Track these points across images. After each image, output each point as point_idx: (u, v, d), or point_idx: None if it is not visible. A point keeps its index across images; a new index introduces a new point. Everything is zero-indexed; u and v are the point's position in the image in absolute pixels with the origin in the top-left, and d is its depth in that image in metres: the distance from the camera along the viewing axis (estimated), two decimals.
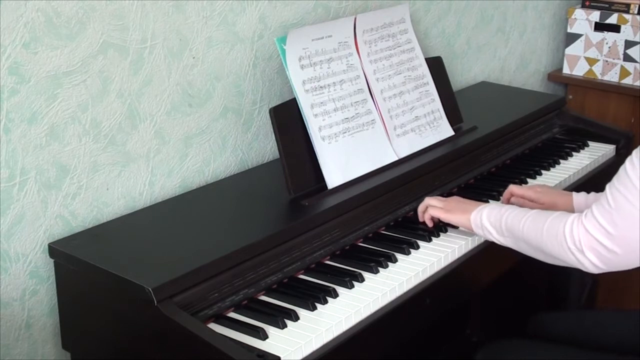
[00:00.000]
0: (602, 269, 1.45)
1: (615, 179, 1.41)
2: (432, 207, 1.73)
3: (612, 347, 1.65)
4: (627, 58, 2.81)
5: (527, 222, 1.54)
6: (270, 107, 1.73)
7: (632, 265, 1.43)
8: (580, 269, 1.48)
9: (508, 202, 1.86)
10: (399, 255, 1.65)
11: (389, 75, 1.97)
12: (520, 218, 1.56)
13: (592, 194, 1.81)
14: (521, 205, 1.76)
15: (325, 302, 1.47)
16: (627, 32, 2.80)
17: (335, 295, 1.49)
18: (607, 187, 1.42)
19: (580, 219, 1.45)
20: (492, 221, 1.62)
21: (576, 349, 1.62)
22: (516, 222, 1.57)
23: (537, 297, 2.46)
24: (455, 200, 1.73)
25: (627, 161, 1.39)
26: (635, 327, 1.68)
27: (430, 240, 1.71)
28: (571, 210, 1.78)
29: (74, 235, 1.57)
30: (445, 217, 1.70)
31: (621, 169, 1.40)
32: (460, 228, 1.73)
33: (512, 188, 1.86)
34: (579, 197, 1.80)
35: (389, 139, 1.91)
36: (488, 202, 1.90)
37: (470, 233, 1.72)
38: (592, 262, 1.43)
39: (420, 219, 1.76)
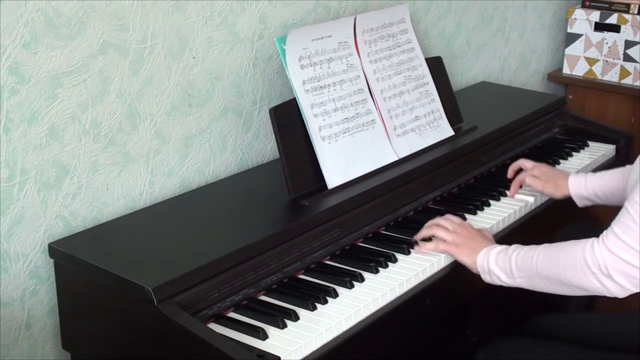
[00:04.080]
0: (630, 291, 1.38)
1: (635, 194, 1.35)
2: (440, 242, 1.64)
3: (611, 348, 1.64)
4: (627, 58, 2.81)
5: (539, 257, 1.49)
6: (270, 107, 1.73)
7: None
8: (605, 294, 1.41)
9: (515, 174, 1.95)
10: (399, 255, 1.65)
11: (389, 75, 1.97)
12: (531, 255, 1.50)
13: (590, 175, 1.83)
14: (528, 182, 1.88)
15: (325, 302, 1.47)
16: (627, 32, 2.80)
17: (335, 295, 1.49)
18: (627, 203, 1.37)
19: (601, 241, 1.38)
20: (500, 265, 1.55)
21: (578, 348, 1.61)
22: (527, 260, 1.50)
23: (538, 297, 2.46)
24: (465, 233, 1.64)
25: None
26: (635, 327, 1.67)
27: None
28: (568, 192, 1.82)
29: (74, 235, 1.57)
30: (453, 253, 1.63)
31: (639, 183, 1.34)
32: None
33: (523, 162, 1.93)
34: (574, 181, 1.83)
35: (389, 139, 1.91)
36: (489, 203, 1.90)
37: None
38: (620, 284, 1.36)
39: (419, 238, 1.69)
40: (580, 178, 1.84)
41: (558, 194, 1.87)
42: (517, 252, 1.53)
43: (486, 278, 1.59)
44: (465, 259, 1.62)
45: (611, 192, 1.78)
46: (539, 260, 1.49)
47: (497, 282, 1.57)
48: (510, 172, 1.99)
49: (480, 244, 1.62)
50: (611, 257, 1.36)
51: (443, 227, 1.67)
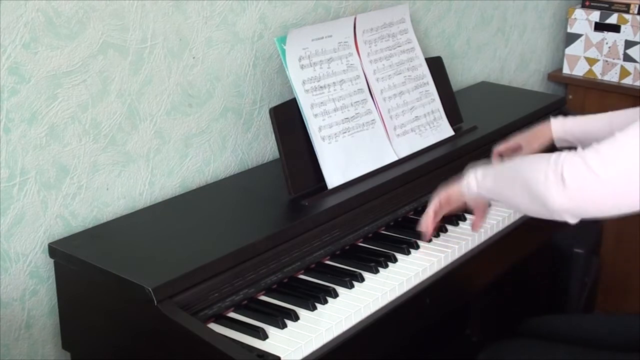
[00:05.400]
0: (569, 199, 1.27)
1: (630, 125, 1.27)
2: (431, 208, 1.65)
3: (610, 349, 1.64)
4: (627, 58, 2.82)
5: (515, 161, 1.47)
6: (270, 107, 1.73)
7: (607, 208, 1.27)
8: (543, 197, 1.31)
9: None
10: (399, 255, 1.65)
11: (389, 75, 1.97)
12: (511, 161, 1.48)
13: (570, 118, 1.84)
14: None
15: (325, 302, 1.47)
16: (627, 32, 2.80)
17: (335, 295, 1.49)
18: (617, 131, 1.29)
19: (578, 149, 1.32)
20: (484, 170, 1.52)
21: (578, 349, 1.62)
22: (504, 166, 1.49)
23: (537, 297, 2.46)
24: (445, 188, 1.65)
25: None
26: (634, 329, 1.68)
27: (430, 240, 1.71)
28: (551, 134, 1.84)
29: (74, 235, 1.57)
30: (444, 197, 1.61)
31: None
32: (461, 227, 1.74)
33: (497, 148, 1.93)
34: (557, 122, 1.84)
35: (389, 139, 1.91)
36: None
37: (469, 234, 1.72)
38: (564, 180, 1.27)
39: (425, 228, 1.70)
40: (560, 119, 1.86)
41: (542, 141, 1.88)
42: (502, 165, 1.52)
43: (463, 184, 1.55)
44: (454, 188, 1.59)
45: (594, 134, 1.74)
46: (514, 163, 1.45)
47: (472, 186, 1.53)
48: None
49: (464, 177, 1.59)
50: (574, 155, 1.29)
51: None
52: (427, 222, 1.65)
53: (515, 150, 1.94)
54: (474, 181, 1.54)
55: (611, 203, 1.27)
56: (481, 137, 2.10)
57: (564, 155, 1.30)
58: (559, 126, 1.84)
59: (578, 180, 1.27)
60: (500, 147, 1.95)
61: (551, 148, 1.86)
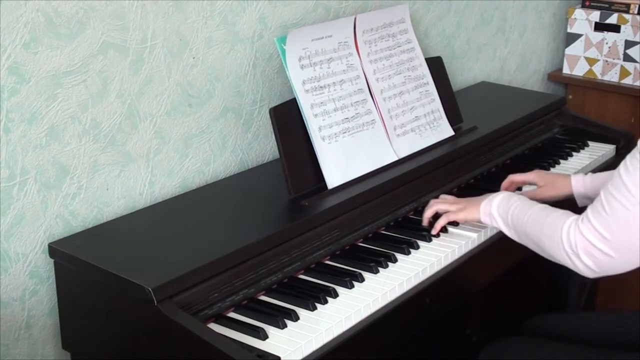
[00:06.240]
0: (597, 273, 1.46)
1: (609, 184, 1.41)
2: (445, 213, 1.73)
3: (610, 348, 1.64)
4: (627, 58, 2.82)
5: (530, 218, 1.56)
6: (270, 107, 1.73)
7: (628, 268, 1.45)
8: (576, 271, 1.48)
9: (507, 190, 1.92)
10: (399, 255, 1.65)
11: (389, 75, 1.97)
12: (525, 213, 1.58)
13: (589, 175, 1.84)
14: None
15: (325, 302, 1.47)
16: (627, 32, 2.80)
17: (335, 295, 1.49)
18: (602, 192, 1.43)
19: (577, 223, 1.46)
20: (500, 212, 1.64)
21: (578, 348, 1.62)
22: (521, 216, 1.58)
23: (537, 297, 2.46)
24: (464, 200, 1.74)
25: (621, 166, 1.40)
26: (634, 327, 1.67)
27: (430, 240, 1.71)
28: (570, 191, 1.84)
29: (74, 235, 1.57)
30: (463, 217, 1.71)
31: (615, 174, 1.41)
32: (461, 227, 1.74)
33: (512, 177, 1.91)
34: (577, 180, 1.84)
35: (389, 139, 1.91)
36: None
37: (470, 234, 1.72)
38: (587, 265, 1.45)
39: (426, 221, 1.76)
40: (580, 177, 1.85)
41: (559, 194, 1.87)
42: (516, 206, 1.61)
43: (486, 220, 1.68)
44: (474, 215, 1.69)
45: None
46: (529, 220, 1.57)
47: (495, 226, 1.67)
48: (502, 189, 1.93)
49: (482, 198, 1.70)
50: (582, 239, 1.44)
51: (442, 202, 1.76)
52: (439, 224, 1.73)
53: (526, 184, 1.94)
54: (496, 224, 1.66)
55: (633, 263, 1.44)
56: (481, 137, 2.10)
57: (573, 239, 1.46)
58: (580, 184, 1.83)
59: (600, 265, 1.44)
60: (517, 178, 1.91)
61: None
